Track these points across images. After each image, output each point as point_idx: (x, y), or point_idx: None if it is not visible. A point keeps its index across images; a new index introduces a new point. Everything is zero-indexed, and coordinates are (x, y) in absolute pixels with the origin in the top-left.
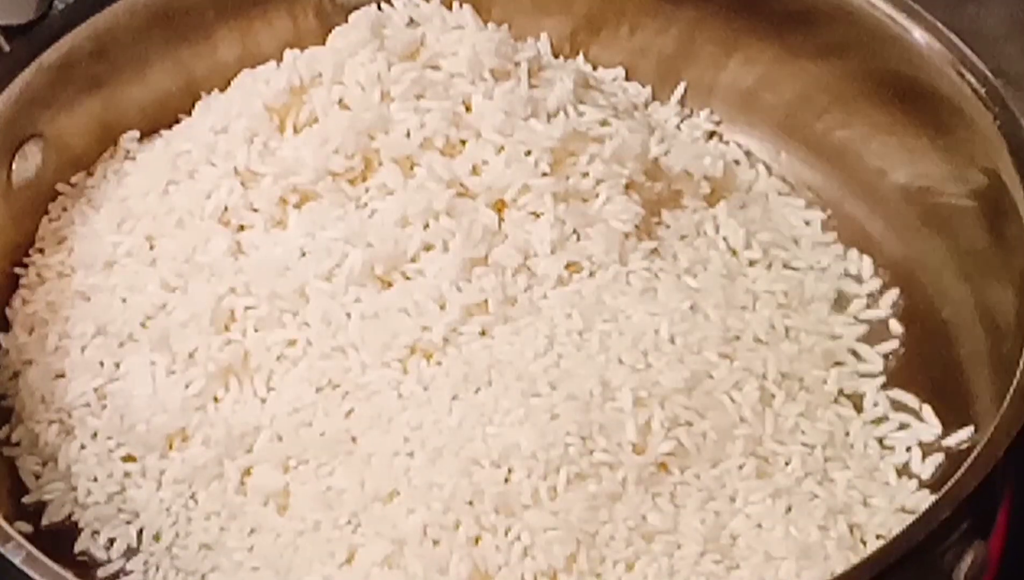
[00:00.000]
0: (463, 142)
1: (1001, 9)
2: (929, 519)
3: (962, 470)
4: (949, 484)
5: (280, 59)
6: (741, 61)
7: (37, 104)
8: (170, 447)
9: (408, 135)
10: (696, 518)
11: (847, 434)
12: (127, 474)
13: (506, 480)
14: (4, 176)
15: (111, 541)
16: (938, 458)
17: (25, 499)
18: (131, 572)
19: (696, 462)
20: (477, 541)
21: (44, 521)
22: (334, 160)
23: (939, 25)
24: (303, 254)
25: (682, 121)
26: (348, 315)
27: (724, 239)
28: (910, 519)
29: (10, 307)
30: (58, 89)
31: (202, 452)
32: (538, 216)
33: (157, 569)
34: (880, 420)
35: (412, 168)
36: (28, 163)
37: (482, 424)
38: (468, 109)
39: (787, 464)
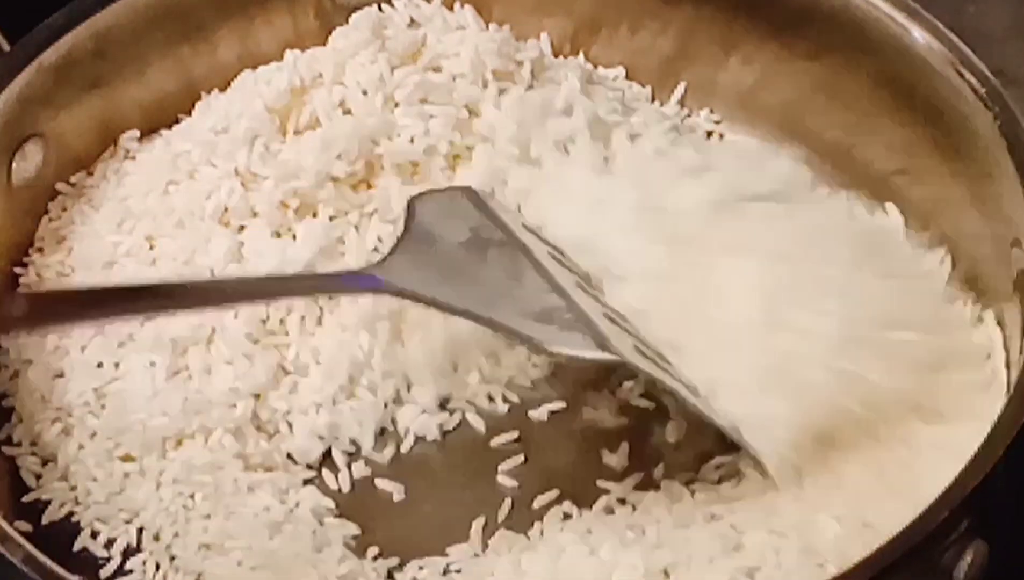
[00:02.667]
0: (469, 148)
1: (1001, 9)
2: (929, 519)
3: (961, 470)
4: (949, 484)
5: (280, 59)
6: (741, 61)
7: (37, 104)
8: (170, 447)
9: (412, 141)
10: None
11: None
12: (126, 474)
13: None
14: (4, 176)
15: (111, 540)
16: None
17: (25, 498)
18: (131, 572)
19: None
20: None
21: (44, 520)
22: (336, 165)
23: (939, 25)
24: (303, 256)
25: (682, 121)
26: None
27: None
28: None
29: None
30: (58, 89)
31: (201, 452)
32: None
33: (157, 568)
34: None
35: (414, 175)
36: (28, 163)
37: None
38: (471, 113)
39: None
